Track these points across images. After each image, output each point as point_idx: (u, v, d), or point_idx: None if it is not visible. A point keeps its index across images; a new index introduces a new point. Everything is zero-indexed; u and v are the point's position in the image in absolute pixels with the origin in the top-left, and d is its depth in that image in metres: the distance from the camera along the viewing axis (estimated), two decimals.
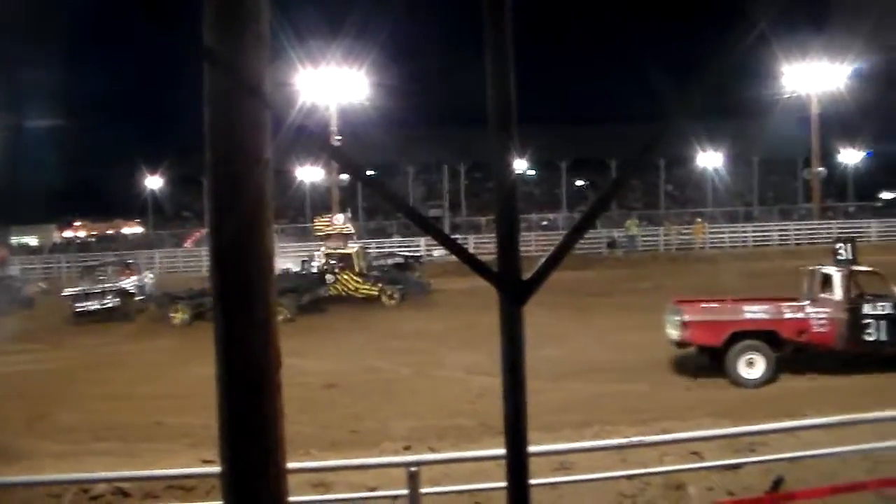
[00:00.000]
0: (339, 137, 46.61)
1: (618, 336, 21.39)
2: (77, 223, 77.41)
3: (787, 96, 54.74)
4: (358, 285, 30.70)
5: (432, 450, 11.35)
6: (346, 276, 30.87)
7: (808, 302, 17.13)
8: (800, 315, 16.65)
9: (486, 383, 15.35)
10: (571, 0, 70.18)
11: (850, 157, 72.40)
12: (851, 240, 17.97)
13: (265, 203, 3.39)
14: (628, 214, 56.57)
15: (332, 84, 45.83)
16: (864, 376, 16.10)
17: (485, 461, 7.76)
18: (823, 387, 15.34)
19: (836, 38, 51.50)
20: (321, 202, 61.83)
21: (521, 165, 67.07)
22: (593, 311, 26.37)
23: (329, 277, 30.57)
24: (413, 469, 6.29)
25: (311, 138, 2.72)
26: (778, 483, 8.95)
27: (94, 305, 29.30)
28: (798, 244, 49.67)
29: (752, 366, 16.10)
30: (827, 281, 17.34)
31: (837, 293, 16.72)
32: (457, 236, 45.85)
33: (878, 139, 67.43)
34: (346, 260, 31.53)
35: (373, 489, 8.24)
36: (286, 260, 31.54)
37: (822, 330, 16.44)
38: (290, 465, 3.89)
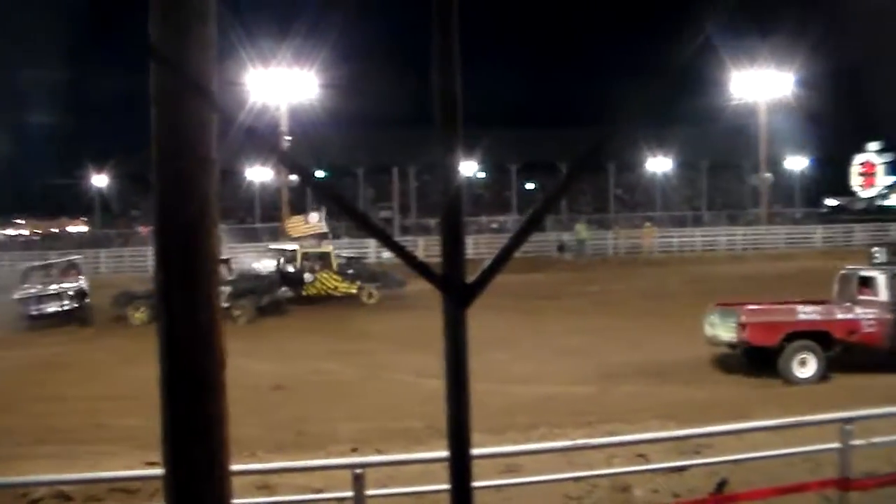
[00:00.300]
0: (289, 138, 46.47)
1: (566, 339, 21.51)
2: (20, 221, 76.02)
3: (735, 103, 55.46)
4: (337, 284, 30.58)
5: (379, 452, 11.31)
6: (325, 275, 30.72)
7: (848, 304, 17.46)
8: (850, 316, 17.05)
9: (435, 386, 15.16)
10: (525, 4, 70.47)
11: (797, 163, 73.43)
12: (891, 244, 18.54)
13: (211, 203, 3.36)
14: (578, 218, 56.90)
15: (281, 84, 45.71)
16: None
17: (432, 463, 7.76)
18: (765, 391, 15.51)
19: (783, 46, 52.29)
20: (271, 202, 61.59)
21: (471, 168, 67.30)
22: (542, 315, 26.44)
23: (308, 276, 30.51)
24: (358, 471, 6.27)
25: (259, 139, 2.70)
26: (722, 485, 9.05)
27: (50, 308, 27.95)
28: (745, 249, 50.26)
29: (804, 365, 16.49)
30: (867, 283, 17.63)
31: (882, 295, 17.01)
32: (407, 238, 45.86)
33: (823, 146, 68.55)
34: (324, 259, 31.38)
35: (318, 491, 8.20)
36: (261, 259, 32.46)
37: (870, 330, 16.79)
38: (235, 466, 3.86)
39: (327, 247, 32.66)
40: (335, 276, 30.80)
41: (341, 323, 25.94)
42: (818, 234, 52.65)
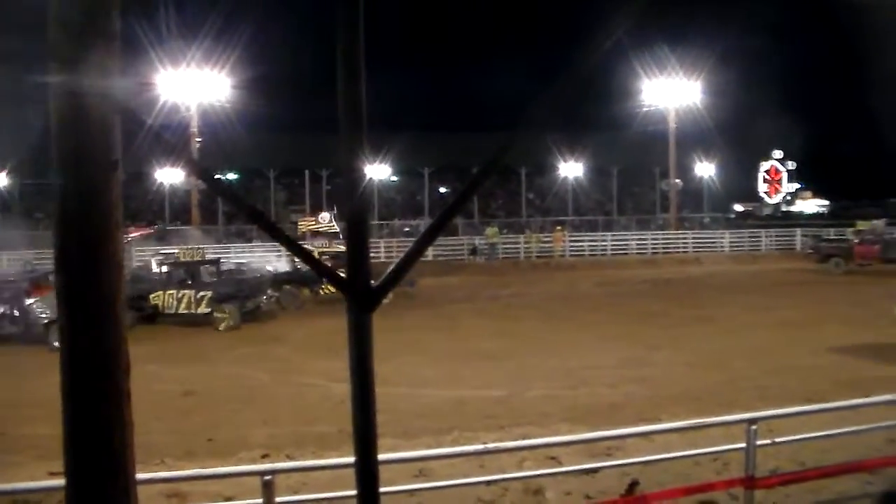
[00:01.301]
0: (199, 140, 45.89)
1: (479, 343, 21.61)
2: None
3: (646, 110, 56.33)
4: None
5: (290, 457, 11.23)
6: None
7: None
8: None
9: (347, 390, 15.22)
10: (439, 10, 70.61)
11: (705, 169, 74.83)
12: None
13: (113, 206, 3.29)
14: (490, 222, 57.18)
15: (192, 85, 45.11)
16: (711, 382, 16.65)
17: (343, 468, 7.70)
18: (664, 394, 15.72)
19: (692, 55, 53.34)
20: (181, 205, 60.74)
21: (384, 171, 67.19)
22: (455, 318, 26.49)
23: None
24: (267, 478, 6.19)
25: (166, 140, 2.66)
26: (633, 486, 9.15)
27: None
28: (655, 253, 51.02)
29: None
30: None
31: None
32: (319, 241, 45.59)
33: (731, 153, 69.96)
34: (337, 258, 29.61)
35: (229, 499, 8.11)
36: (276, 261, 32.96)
37: None
38: (142, 475, 3.79)
39: (340, 247, 30.83)
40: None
41: (258, 329, 25.59)
42: (726, 238, 53.69)
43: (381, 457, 2.25)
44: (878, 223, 42.84)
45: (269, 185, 71.04)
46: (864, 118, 69.79)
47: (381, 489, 2.21)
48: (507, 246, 51.57)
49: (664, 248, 52.16)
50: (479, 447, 8.37)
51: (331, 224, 34.09)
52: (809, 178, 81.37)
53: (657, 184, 72.98)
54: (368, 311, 1.97)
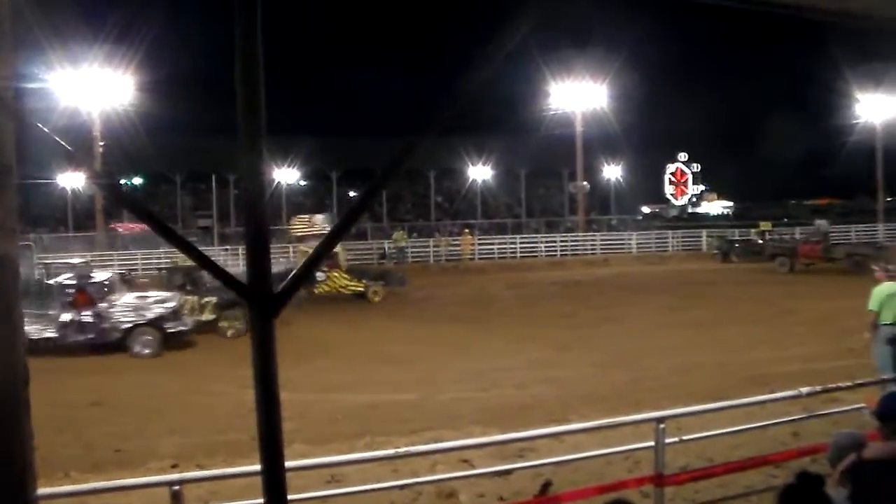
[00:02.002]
0: (102, 144, 45.02)
1: (389, 347, 21.58)
2: None
3: (553, 113, 56.87)
4: (346, 283, 30.90)
5: (200, 467, 11.04)
6: (335, 275, 31.15)
7: None
8: None
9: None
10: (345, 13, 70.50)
11: (612, 172, 75.90)
12: None
13: (7, 212, 3.20)
14: (398, 226, 57.17)
15: (94, 88, 44.15)
16: (620, 382, 16.87)
17: (255, 476, 7.59)
18: (574, 395, 15.87)
19: (599, 59, 54.06)
20: (83, 211, 59.49)
21: (291, 175, 66.72)
22: (364, 323, 26.38)
23: (319, 275, 30.37)
24: (176, 488, 6.08)
25: (63, 146, 2.58)
26: (546, 486, 9.20)
27: None
28: (564, 255, 51.48)
29: None
30: None
31: None
32: (227, 247, 45.13)
33: (638, 156, 71.14)
34: (333, 259, 31.28)
35: None
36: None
37: None
38: (44, 490, 3.69)
39: (337, 248, 31.68)
40: (344, 276, 31.35)
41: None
42: (633, 240, 54.42)
43: (290, 463, 2.22)
44: (822, 223, 43.93)
45: (175, 191, 70.07)
46: (766, 122, 71.67)
47: (293, 496, 2.19)
48: (416, 249, 51.56)
49: (573, 249, 52.64)
50: (392, 451, 8.33)
51: (324, 227, 35.05)
52: (714, 180, 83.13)
53: (565, 186, 73.74)
54: (271, 318, 1.95)
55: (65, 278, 23.36)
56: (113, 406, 16.08)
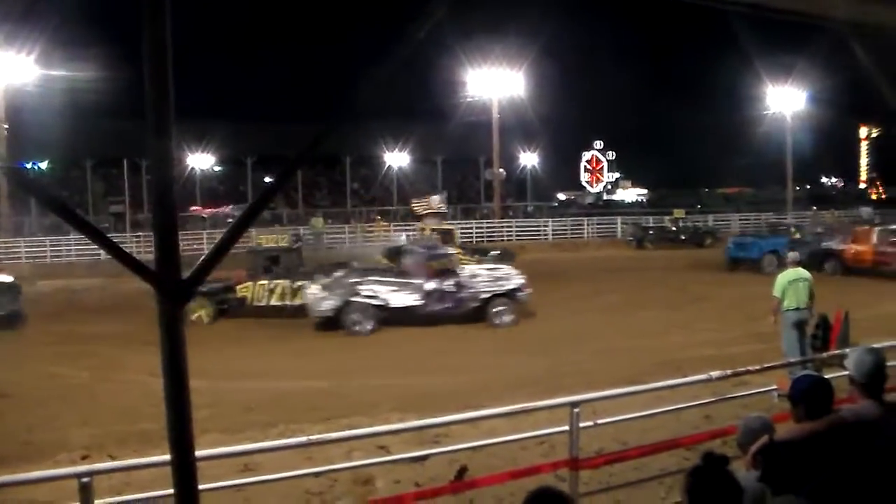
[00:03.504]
0: (6, 126, 43.88)
1: (300, 333, 21.43)
2: None
3: (470, 100, 57.04)
4: (461, 258, 30.11)
5: (112, 457, 10.86)
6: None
7: None
8: None
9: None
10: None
11: (529, 159, 76.42)
12: None
13: None
14: (314, 212, 56.89)
15: None
16: (536, 367, 17.01)
17: (167, 466, 7.48)
18: (489, 381, 15.96)
19: (516, 46, 54.39)
20: None
21: (206, 161, 65.93)
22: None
23: None
24: (85, 480, 5.93)
25: None
26: (462, 472, 9.25)
27: None
28: (479, 242, 51.63)
29: None
30: None
31: None
32: (139, 234, 44.49)
33: (554, 143, 71.76)
34: (447, 236, 32.43)
35: None
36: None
37: None
38: None
39: (448, 226, 35.91)
40: (458, 251, 30.82)
41: (73, 324, 24.48)
42: (549, 226, 54.82)
43: (202, 452, 2.19)
44: (867, 210, 44.69)
45: (85, 176, 68.70)
46: (680, 112, 72.85)
47: (206, 485, 2.16)
48: (332, 235, 51.35)
49: (488, 236, 52.88)
50: (306, 439, 8.28)
51: (440, 206, 37.76)
52: (629, 168, 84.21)
53: (481, 173, 74.01)
54: (179, 304, 1.91)
55: (423, 247, 25.51)
56: (18, 397, 15.65)
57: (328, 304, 22.00)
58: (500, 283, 23.10)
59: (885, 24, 5.88)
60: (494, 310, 22.68)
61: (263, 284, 24.53)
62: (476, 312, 22.55)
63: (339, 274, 23.36)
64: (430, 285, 22.63)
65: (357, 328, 21.69)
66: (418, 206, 39.05)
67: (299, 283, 24.00)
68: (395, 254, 27.69)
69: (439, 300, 22.61)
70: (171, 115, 1.93)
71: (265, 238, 26.64)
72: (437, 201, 38.12)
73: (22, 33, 41.86)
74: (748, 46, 53.05)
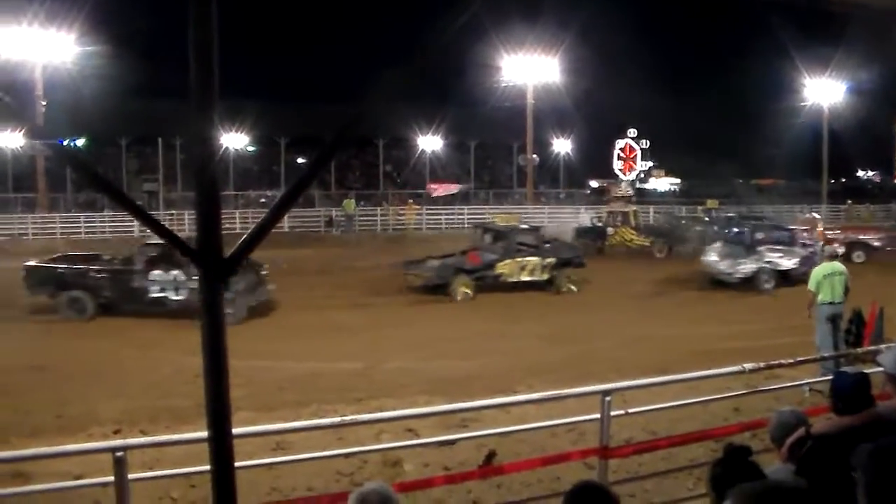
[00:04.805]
0: (45, 104, 44.14)
1: (336, 315, 21.50)
2: None
3: (505, 86, 56.82)
4: (633, 237, 33.91)
5: (143, 433, 10.97)
6: (623, 230, 35.18)
7: None
8: None
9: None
10: None
11: (562, 146, 76.11)
12: None
13: None
14: (347, 194, 56.92)
15: (36, 44, 43.11)
16: (567, 354, 17.00)
17: (199, 443, 7.49)
18: (520, 366, 15.95)
19: (551, 32, 54.10)
20: (24, 172, 57.98)
21: (240, 140, 66.04)
22: (311, 290, 25.97)
23: (609, 230, 35.37)
24: (119, 454, 5.96)
25: (4, 104, 2.52)
26: (490, 457, 9.26)
27: None
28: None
29: None
30: None
31: None
32: (172, 212, 44.71)
33: (588, 130, 71.44)
34: (625, 217, 36.49)
35: (79, 477, 7.84)
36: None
37: None
38: None
39: (631, 207, 38.68)
40: (632, 231, 34.88)
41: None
42: (582, 214, 54.51)
43: (236, 430, 2.19)
44: None
45: (120, 154, 69.03)
46: (715, 102, 72.31)
47: (239, 463, 2.16)
48: (364, 218, 51.43)
49: (521, 221, 52.68)
50: (337, 420, 8.32)
51: (628, 190, 41.48)
52: (663, 157, 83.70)
53: (514, 158, 73.75)
54: (221, 282, 1.91)
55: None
56: (53, 370, 15.84)
57: (747, 269, 26.11)
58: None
59: None
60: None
61: (517, 262, 25.80)
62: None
63: (736, 243, 27.88)
64: (807, 251, 26.92)
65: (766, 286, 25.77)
66: (612, 189, 43.27)
67: (548, 261, 25.99)
68: (583, 233, 34.97)
69: (803, 264, 25.30)
70: (215, 93, 1.93)
71: (501, 218, 29.50)
72: (624, 186, 41.91)
73: (61, 11, 41.99)
74: (785, 36, 52.63)
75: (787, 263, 26.48)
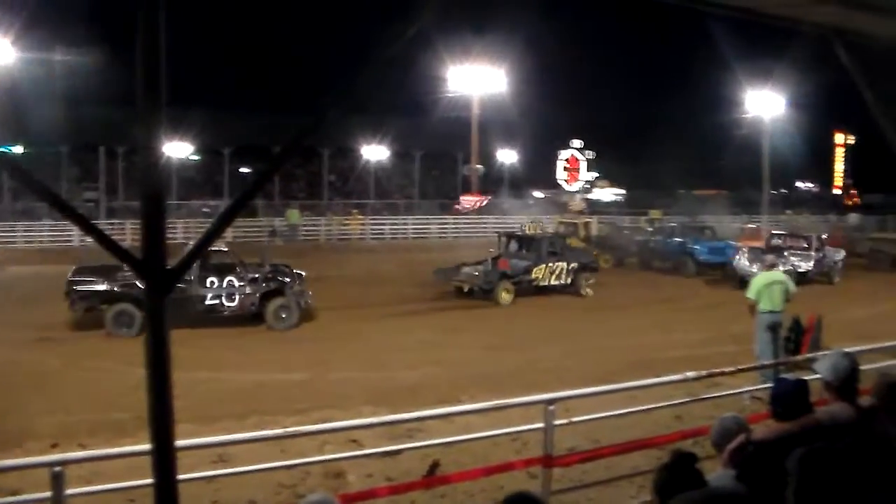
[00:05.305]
0: None
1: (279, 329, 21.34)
2: None
3: (450, 96, 56.98)
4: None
5: (82, 447, 10.80)
6: (572, 241, 33.64)
7: None
8: None
9: (144, 374, 14.67)
10: None
11: (507, 156, 76.45)
12: None
13: None
14: (291, 204, 56.66)
15: None
16: (511, 364, 17.05)
17: (140, 456, 7.39)
18: (463, 376, 15.97)
19: (496, 44, 54.38)
20: None
21: (183, 149, 65.40)
22: None
23: None
24: (57, 469, 5.88)
25: None
26: (434, 467, 9.26)
27: None
28: (456, 237, 51.73)
29: None
30: None
31: None
32: (114, 221, 44.16)
33: (533, 141, 71.84)
34: (574, 228, 37.39)
35: (16, 492, 7.71)
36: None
37: None
38: None
39: (584, 219, 41.16)
40: (581, 242, 34.36)
41: (46, 311, 24.00)
42: (525, 224, 54.67)
43: (179, 443, 2.17)
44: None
45: (60, 161, 67.96)
46: (659, 113, 73.13)
47: (179, 476, 2.14)
48: (308, 228, 51.23)
49: (465, 231, 52.91)
50: (280, 431, 8.27)
51: (581, 204, 47.38)
52: (607, 168, 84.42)
53: (459, 169, 73.89)
54: (165, 294, 1.89)
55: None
56: None
57: None
58: None
59: (866, 30, 5.93)
60: None
61: (549, 267, 27.52)
62: None
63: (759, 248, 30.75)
64: (818, 255, 31.39)
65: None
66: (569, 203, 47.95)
67: (573, 265, 28.02)
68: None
69: (816, 267, 30.70)
70: (161, 103, 1.91)
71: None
72: (578, 199, 47.83)
73: (0, 15, 41.39)
74: (728, 49, 53.44)
75: (805, 266, 30.16)
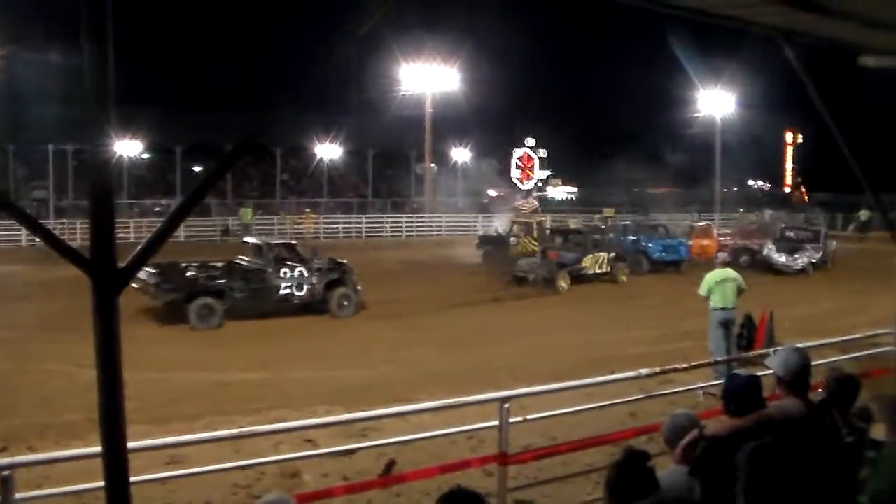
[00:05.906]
0: None
1: (230, 325, 21.18)
2: None
3: (403, 94, 56.95)
4: (535, 247, 33.37)
5: (32, 450, 10.66)
6: (526, 240, 34.95)
7: None
8: None
9: (95, 376, 14.48)
10: None
11: (461, 155, 76.53)
12: None
13: None
14: (243, 203, 56.37)
15: None
16: (466, 363, 17.07)
17: (91, 459, 7.28)
18: (419, 375, 15.99)
19: (449, 42, 54.46)
20: None
21: (133, 148, 64.78)
22: None
23: (512, 240, 35.48)
24: (5, 473, 5.78)
25: None
26: (390, 466, 9.25)
27: None
28: (410, 236, 51.75)
29: None
30: None
31: None
32: (63, 221, 43.61)
33: (486, 140, 72.02)
34: (528, 227, 36.80)
35: None
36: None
37: None
38: None
39: (538, 218, 40.40)
40: (534, 241, 34.21)
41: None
42: (479, 221, 54.88)
43: (131, 444, 2.14)
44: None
45: (7, 160, 67.01)
46: (612, 112, 73.68)
47: (132, 478, 2.11)
48: (261, 227, 50.97)
49: (418, 230, 52.97)
50: (234, 431, 8.21)
51: (534, 203, 49.19)
52: (560, 166, 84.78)
53: (412, 167, 73.84)
54: (115, 293, 1.86)
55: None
56: None
57: (801, 262, 33.83)
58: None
59: (811, 31, 6.02)
60: None
61: (595, 257, 30.38)
62: None
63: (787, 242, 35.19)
64: (824, 246, 35.45)
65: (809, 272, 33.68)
66: (522, 204, 48.30)
67: (611, 255, 30.88)
68: (486, 242, 38.20)
69: (823, 257, 35.16)
70: (110, 101, 1.88)
71: (571, 221, 35.58)
72: (529, 201, 49.21)
73: None
74: (680, 49, 53.94)
75: (819, 256, 34.69)
